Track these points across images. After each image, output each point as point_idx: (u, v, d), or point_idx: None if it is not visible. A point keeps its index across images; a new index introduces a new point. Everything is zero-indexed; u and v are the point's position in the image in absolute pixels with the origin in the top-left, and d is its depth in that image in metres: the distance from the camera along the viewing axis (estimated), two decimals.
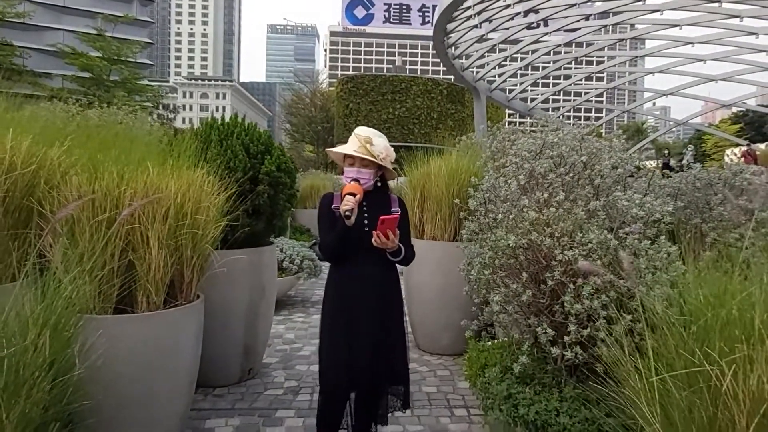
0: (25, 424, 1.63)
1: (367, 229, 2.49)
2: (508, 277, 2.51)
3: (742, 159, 18.58)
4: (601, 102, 30.75)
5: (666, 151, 27.26)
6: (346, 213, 2.35)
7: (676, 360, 1.53)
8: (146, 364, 2.53)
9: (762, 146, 26.20)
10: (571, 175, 2.50)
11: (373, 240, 2.41)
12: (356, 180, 2.51)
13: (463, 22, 17.89)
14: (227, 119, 3.97)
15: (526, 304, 2.41)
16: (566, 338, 2.25)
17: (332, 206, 2.59)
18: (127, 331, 2.49)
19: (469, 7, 16.42)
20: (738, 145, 25.48)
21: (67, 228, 2.32)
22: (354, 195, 2.40)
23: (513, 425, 2.44)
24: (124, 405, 2.47)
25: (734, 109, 45.04)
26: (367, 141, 2.52)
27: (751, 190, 3.41)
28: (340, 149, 2.60)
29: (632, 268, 1.87)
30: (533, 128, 4.85)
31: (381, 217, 2.37)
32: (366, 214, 2.54)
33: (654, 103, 48.77)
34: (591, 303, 2.13)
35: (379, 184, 2.66)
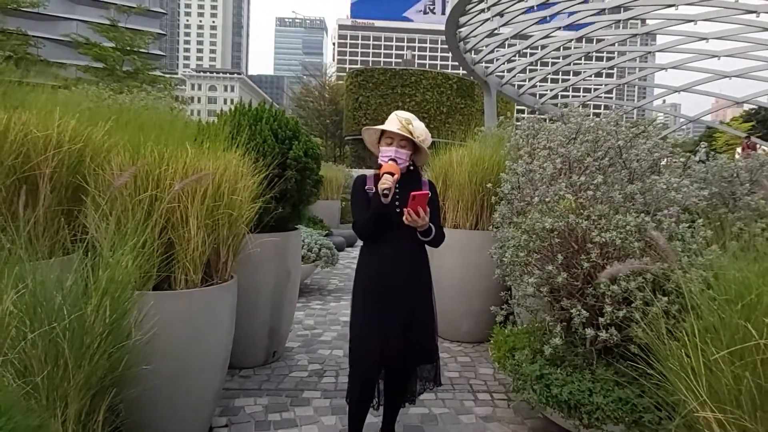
0: (87, 389, 1.69)
1: (398, 210, 2.53)
2: (542, 260, 2.54)
3: (742, 150, 18.42)
4: (611, 98, 30.57)
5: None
6: (384, 191, 2.38)
7: (723, 336, 1.57)
8: (185, 339, 2.60)
9: None
10: (607, 159, 2.53)
11: (404, 217, 2.45)
12: (393, 160, 2.55)
13: (475, 16, 17.81)
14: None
15: (559, 287, 2.44)
16: (601, 320, 2.28)
17: (365, 187, 2.64)
18: (168, 306, 2.54)
19: (482, 0, 16.34)
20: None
21: (113, 206, 2.38)
22: (392, 174, 2.43)
23: (545, 405, 2.48)
24: (163, 377, 2.52)
25: (746, 107, 44.55)
26: (408, 122, 2.56)
27: None
28: (382, 126, 2.62)
29: (667, 246, 1.90)
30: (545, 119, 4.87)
31: (412, 193, 2.40)
32: (397, 195, 2.57)
33: (664, 101, 48.32)
34: (628, 284, 2.17)
35: (411, 167, 2.71)
